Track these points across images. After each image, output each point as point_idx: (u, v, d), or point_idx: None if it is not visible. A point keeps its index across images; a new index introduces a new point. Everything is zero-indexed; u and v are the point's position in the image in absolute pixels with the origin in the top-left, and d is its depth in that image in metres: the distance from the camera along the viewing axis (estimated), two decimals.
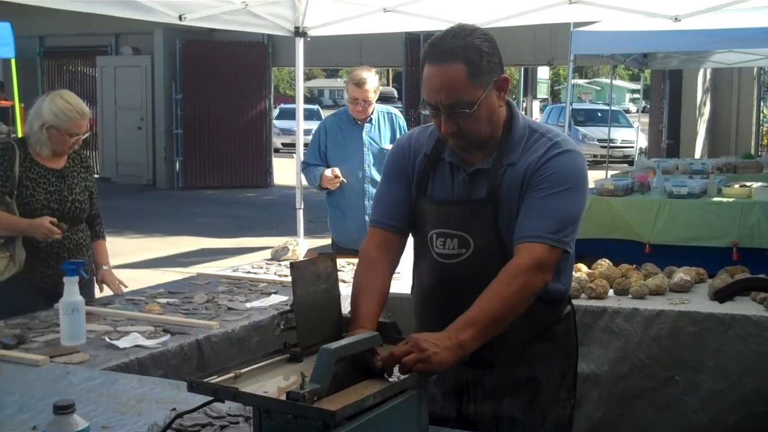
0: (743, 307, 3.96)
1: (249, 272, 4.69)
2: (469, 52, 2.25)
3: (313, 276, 2.09)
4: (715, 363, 3.91)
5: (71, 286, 3.12)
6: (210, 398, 1.88)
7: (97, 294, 4.15)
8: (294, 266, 2.06)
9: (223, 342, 3.44)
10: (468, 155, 2.42)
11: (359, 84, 5.10)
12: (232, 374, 1.89)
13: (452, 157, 2.44)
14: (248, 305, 3.89)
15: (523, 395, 2.46)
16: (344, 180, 5.14)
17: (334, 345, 1.83)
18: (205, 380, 1.86)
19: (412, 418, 1.93)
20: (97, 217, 4.24)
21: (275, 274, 4.64)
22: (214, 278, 4.53)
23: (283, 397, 1.75)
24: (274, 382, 1.91)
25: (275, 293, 4.15)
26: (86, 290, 3.88)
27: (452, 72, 2.25)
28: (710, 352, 3.91)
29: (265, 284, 4.40)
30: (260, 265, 4.91)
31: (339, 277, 2.24)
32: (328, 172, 5.15)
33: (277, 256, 5.07)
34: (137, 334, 3.28)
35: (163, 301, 3.92)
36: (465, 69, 2.24)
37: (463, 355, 2.09)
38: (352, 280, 4.08)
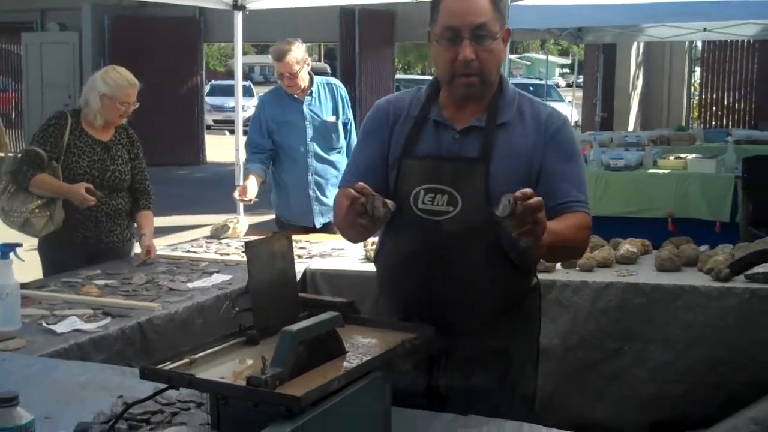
0: (691, 278, 3.97)
1: (189, 251, 4.56)
2: None
3: (268, 255, 1.99)
4: (663, 334, 3.91)
5: (5, 270, 2.96)
6: (163, 386, 1.77)
7: None
8: (249, 245, 1.96)
9: (166, 324, 3.33)
10: (458, 113, 2.39)
11: (279, 58, 4.99)
12: (186, 360, 1.79)
13: (439, 117, 2.41)
14: (190, 285, 3.77)
15: (494, 369, 2.42)
16: (254, 200, 5.02)
17: (295, 327, 1.73)
18: (158, 367, 1.75)
19: (377, 400, 1.85)
20: (145, 192, 4.47)
21: (216, 252, 4.52)
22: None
23: (242, 383, 1.66)
24: (229, 367, 1.82)
25: (217, 272, 4.04)
26: (127, 248, 4.44)
27: None
28: (658, 323, 3.90)
29: (207, 263, 4.28)
30: (200, 243, 4.79)
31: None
32: (235, 194, 5.08)
33: (217, 234, 4.94)
34: (75, 318, 3.15)
35: (101, 282, 3.77)
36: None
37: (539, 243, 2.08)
38: (305, 257, 4.04)
